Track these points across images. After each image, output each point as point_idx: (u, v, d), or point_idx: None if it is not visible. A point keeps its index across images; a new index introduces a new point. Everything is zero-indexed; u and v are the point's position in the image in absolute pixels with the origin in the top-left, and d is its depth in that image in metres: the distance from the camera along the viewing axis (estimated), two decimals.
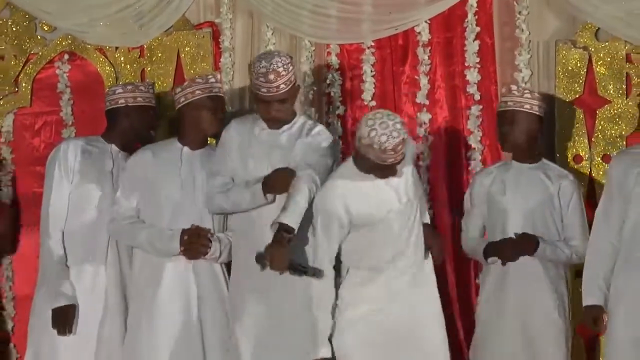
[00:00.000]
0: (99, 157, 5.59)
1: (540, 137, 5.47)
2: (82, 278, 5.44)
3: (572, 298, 5.44)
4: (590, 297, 5.12)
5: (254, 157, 5.20)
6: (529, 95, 5.38)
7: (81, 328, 5.43)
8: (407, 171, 4.95)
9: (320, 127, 5.30)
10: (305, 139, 5.22)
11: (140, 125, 5.62)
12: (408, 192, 4.93)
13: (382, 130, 4.71)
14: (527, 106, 5.35)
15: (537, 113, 5.36)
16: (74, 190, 5.51)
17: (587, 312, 5.13)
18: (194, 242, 5.23)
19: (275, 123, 5.17)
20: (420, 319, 5.09)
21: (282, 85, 5.06)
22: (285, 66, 5.06)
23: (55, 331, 5.43)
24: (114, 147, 5.57)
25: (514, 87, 5.48)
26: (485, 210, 5.49)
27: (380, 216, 4.86)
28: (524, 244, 5.30)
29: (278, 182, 5.09)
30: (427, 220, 5.18)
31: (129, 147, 5.60)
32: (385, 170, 4.79)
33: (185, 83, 5.45)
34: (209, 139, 5.61)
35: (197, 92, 5.36)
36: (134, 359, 5.32)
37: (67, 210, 5.50)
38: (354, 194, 4.84)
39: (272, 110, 5.10)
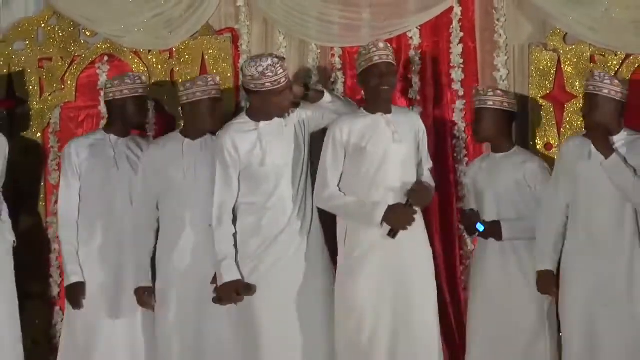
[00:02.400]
0: (101, 148, 5.82)
1: (509, 129, 5.69)
2: (99, 254, 5.72)
3: None
4: (542, 264, 5.40)
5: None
6: (491, 93, 5.64)
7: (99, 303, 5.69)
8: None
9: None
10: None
11: (132, 114, 5.84)
12: None
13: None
14: (491, 103, 5.63)
15: (504, 109, 5.60)
16: (83, 182, 5.78)
17: (540, 276, 5.40)
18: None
19: (285, 112, 5.41)
20: (411, 262, 5.35)
21: (284, 78, 5.33)
22: (281, 62, 5.35)
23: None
24: (112, 137, 5.81)
25: (480, 88, 5.75)
26: (473, 196, 5.80)
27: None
28: (490, 233, 5.52)
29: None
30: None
31: (127, 134, 5.84)
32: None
33: (188, 84, 5.68)
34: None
35: (198, 93, 5.61)
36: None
37: (79, 201, 5.76)
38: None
39: (285, 99, 5.34)
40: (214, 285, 5.38)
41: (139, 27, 6.40)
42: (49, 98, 6.52)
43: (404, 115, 5.59)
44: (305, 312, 5.37)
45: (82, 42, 6.55)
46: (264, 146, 5.37)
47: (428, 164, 5.62)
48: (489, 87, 5.81)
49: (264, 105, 5.36)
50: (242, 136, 5.38)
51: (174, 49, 6.42)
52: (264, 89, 5.30)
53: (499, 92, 5.73)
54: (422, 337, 5.32)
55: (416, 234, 5.40)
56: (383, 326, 5.31)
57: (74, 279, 5.68)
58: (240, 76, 5.70)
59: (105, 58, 6.50)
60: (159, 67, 6.42)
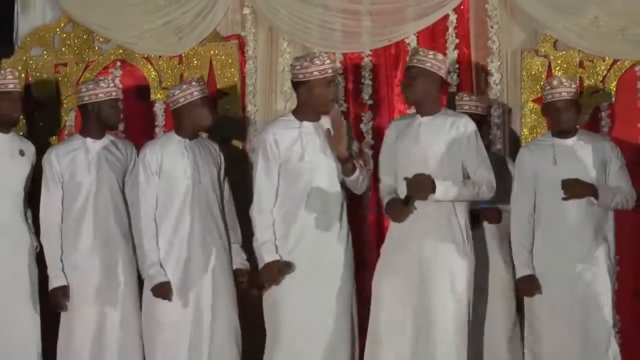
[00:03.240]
0: (78, 152, 5.73)
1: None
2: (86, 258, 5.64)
3: None
4: (522, 270, 5.47)
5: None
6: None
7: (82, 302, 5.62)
8: None
9: None
10: None
11: (105, 116, 5.72)
12: None
13: None
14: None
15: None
16: (65, 188, 5.71)
17: (523, 282, 5.48)
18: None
19: (328, 107, 5.39)
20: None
21: (331, 70, 5.37)
22: (330, 57, 5.43)
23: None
24: (89, 140, 5.73)
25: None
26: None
27: None
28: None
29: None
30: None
31: (101, 136, 5.74)
32: None
33: (184, 85, 5.61)
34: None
35: (195, 93, 5.59)
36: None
37: (62, 206, 5.68)
38: None
39: (330, 93, 5.38)
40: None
41: (150, 34, 6.50)
42: (65, 101, 6.59)
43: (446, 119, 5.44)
44: (330, 302, 5.42)
45: (96, 48, 6.64)
46: (304, 143, 5.43)
47: (480, 169, 5.43)
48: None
49: (310, 97, 5.39)
50: (284, 132, 5.46)
51: (184, 55, 6.52)
52: (312, 78, 5.34)
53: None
54: (442, 336, 5.27)
55: (441, 229, 5.35)
56: (402, 317, 5.33)
57: (55, 283, 5.66)
58: (290, 74, 5.65)
59: (118, 63, 6.59)
60: (169, 72, 6.51)
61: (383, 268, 5.43)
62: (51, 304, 5.70)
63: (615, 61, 6.12)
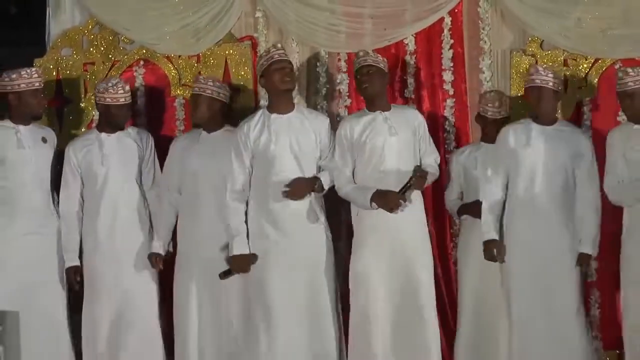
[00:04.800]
0: (93, 146, 6.06)
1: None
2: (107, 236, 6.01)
3: None
4: (488, 234, 5.72)
5: None
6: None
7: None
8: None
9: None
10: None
11: (117, 116, 6.08)
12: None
13: None
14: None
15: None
16: (84, 178, 6.03)
17: (487, 245, 5.71)
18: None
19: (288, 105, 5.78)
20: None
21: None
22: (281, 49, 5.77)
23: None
24: (104, 134, 6.07)
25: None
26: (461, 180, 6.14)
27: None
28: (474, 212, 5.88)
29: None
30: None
31: (114, 131, 6.06)
32: None
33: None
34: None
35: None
36: None
37: (80, 196, 6.04)
38: None
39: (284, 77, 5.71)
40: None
41: (170, 36, 6.57)
42: (92, 98, 6.55)
43: (401, 111, 5.93)
44: (313, 284, 5.72)
45: (121, 48, 6.72)
46: (271, 134, 5.74)
47: (433, 154, 5.95)
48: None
49: (270, 85, 5.77)
50: (253, 125, 5.81)
51: (201, 55, 6.59)
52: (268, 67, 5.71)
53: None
54: (422, 305, 5.69)
55: (416, 215, 5.79)
56: (387, 295, 5.68)
57: (68, 264, 6.01)
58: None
59: (141, 62, 6.68)
60: (188, 70, 6.60)
61: (360, 249, 5.77)
62: (67, 281, 6.04)
63: (596, 60, 6.26)
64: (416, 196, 5.76)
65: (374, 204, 5.67)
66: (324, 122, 5.93)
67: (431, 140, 5.94)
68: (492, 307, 5.95)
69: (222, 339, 5.91)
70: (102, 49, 6.78)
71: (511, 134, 5.79)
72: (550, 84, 5.76)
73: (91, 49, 6.79)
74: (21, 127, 6.08)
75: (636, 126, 5.72)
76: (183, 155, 6.02)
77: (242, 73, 6.60)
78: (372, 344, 5.66)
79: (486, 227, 5.75)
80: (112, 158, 6.05)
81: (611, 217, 6.01)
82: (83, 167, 6.06)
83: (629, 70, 5.73)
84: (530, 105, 5.86)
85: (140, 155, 6.13)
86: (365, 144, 5.77)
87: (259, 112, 5.89)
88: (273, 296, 5.67)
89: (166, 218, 6.07)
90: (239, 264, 5.72)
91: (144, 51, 6.74)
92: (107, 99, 6.05)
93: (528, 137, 5.73)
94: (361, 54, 5.82)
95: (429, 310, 5.73)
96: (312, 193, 5.71)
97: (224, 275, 5.75)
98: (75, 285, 6.01)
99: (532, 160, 5.72)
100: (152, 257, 6.03)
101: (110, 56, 6.76)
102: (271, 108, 5.84)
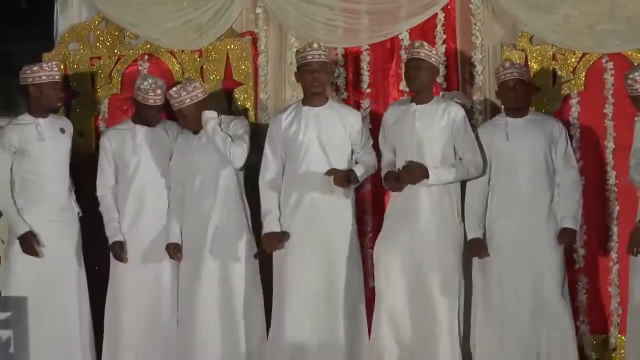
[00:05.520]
0: (127, 136, 6.21)
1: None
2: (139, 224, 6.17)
3: None
4: (473, 233, 5.77)
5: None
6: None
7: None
8: None
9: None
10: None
11: (147, 115, 6.20)
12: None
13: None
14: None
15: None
16: (117, 165, 6.20)
17: (472, 244, 5.77)
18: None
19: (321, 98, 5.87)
20: None
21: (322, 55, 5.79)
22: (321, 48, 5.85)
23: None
24: (138, 126, 6.22)
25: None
26: None
27: None
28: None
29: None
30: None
31: (148, 124, 6.18)
32: None
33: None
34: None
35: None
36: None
37: (115, 180, 6.20)
38: None
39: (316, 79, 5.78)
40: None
41: (174, 31, 6.66)
42: (99, 91, 6.79)
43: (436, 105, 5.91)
44: (332, 274, 5.84)
45: (127, 43, 6.81)
46: (300, 125, 5.88)
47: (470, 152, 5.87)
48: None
49: (302, 84, 5.90)
50: (285, 116, 5.95)
51: (203, 49, 6.67)
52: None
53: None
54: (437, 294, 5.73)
55: (436, 205, 5.80)
56: (400, 278, 5.77)
57: (113, 239, 6.17)
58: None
59: (146, 57, 6.76)
60: (191, 64, 6.69)
61: (385, 237, 5.86)
62: (113, 255, 6.17)
63: (584, 54, 6.35)
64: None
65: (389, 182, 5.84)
66: (356, 116, 6.03)
67: (468, 134, 5.87)
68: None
69: (230, 319, 6.04)
70: (108, 43, 6.87)
71: (489, 131, 5.93)
72: (516, 74, 5.88)
73: (97, 44, 6.88)
74: (40, 120, 6.21)
75: None
76: (184, 151, 6.17)
77: (243, 67, 6.67)
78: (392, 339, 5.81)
79: (469, 225, 5.83)
80: (144, 149, 6.20)
81: (600, 206, 6.23)
82: (116, 155, 6.22)
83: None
84: (501, 100, 6.02)
85: (169, 147, 6.26)
86: (394, 133, 5.91)
87: (293, 105, 6.03)
88: (290, 280, 5.80)
89: (175, 210, 6.20)
90: (270, 242, 5.86)
91: (149, 46, 6.82)
92: (139, 97, 6.19)
93: (506, 131, 5.85)
94: (417, 44, 5.86)
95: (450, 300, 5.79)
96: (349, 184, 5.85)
97: (258, 254, 5.90)
98: (124, 259, 6.15)
99: (513, 152, 5.80)
100: (170, 247, 6.16)
101: (115, 51, 6.85)
102: (304, 101, 5.98)
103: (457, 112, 5.83)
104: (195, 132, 6.10)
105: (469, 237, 5.82)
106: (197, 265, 6.04)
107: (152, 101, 6.11)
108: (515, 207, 5.80)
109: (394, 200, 5.87)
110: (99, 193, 6.26)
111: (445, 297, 5.70)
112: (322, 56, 5.83)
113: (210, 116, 5.94)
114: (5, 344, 6.09)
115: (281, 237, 5.87)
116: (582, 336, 6.23)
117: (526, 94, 5.95)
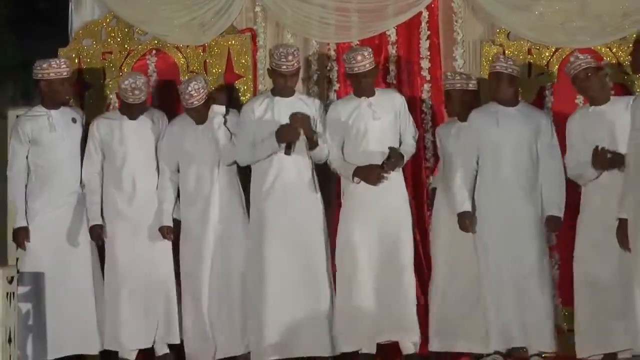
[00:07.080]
0: (115, 125, 6.44)
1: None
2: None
3: None
4: (461, 206, 6.02)
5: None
6: (458, 77, 6.26)
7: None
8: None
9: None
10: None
11: (129, 110, 6.42)
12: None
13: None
14: (458, 85, 6.25)
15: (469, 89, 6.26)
16: (105, 151, 6.38)
17: (461, 217, 6.00)
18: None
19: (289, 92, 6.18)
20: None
21: (295, 64, 6.11)
22: (296, 52, 6.15)
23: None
24: (124, 118, 6.44)
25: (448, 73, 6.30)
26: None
27: None
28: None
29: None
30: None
31: (131, 118, 6.40)
32: None
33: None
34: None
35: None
36: None
37: (101, 167, 6.39)
38: None
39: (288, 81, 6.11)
40: None
41: (179, 28, 6.91)
42: (110, 83, 7.03)
43: (385, 96, 6.34)
44: (310, 247, 6.18)
45: (136, 39, 7.06)
46: (274, 114, 6.19)
47: (412, 132, 6.35)
48: (454, 72, 6.34)
49: (274, 82, 6.20)
50: (257, 105, 6.25)
51: (207, 45, 6.92)
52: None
53: (463, 75, 6.27)
54: (403, 267, 6.14)
55: (397, 187, 6.25)
56: (370, 263, 6.15)
57: (92, 222, 6.42)
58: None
59: (154, 52, 7.01)
60: (195, 58, 6.93)
61: (347, 221, 6.24)
62: (92, 238, 6.45)
63: (557, 49, 6.61)
64: (397, 171, 6.25)
65: (356, 178, 6.21)
66: (318, 103, 6.43)
67: (411, 118, 6.36)
68: (462, 269, 6.36)
69: (231, 292, 6.37)
70: (119, 39, 7.13)
71: (480, 116, 6.23)
72: (510, 70, 6.16)
73: (109, 40, 7.15)
74: (52, 112, 6.50)
75: (591, 108, 6.07)
76: (182, 138, 6.46)
77: (243, 61, 6.95)
78: (358, 304, 6.19)
79: (460, 199, 6.09)
80: (131, 138, 6.42)
81: (570, 189, 6.37)
82: (104, 143, 6.43)
83: (579, 55, 6.12)
84: (491, 88, 6.28)
85: (156, 134, 6.50)
86: (351, 126, 6.29)
87: (263, 95, 6.32)
88: (269, 256, 6.15)
89: (167, 193, 6.49)
90: (284, 135, 6.11)
91: (156, 42, 7.08)
92: (121, 94, 6.46)
93: (496, 118, 6.14)
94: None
95: (409, 272, 6.23)
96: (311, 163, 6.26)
97: (287, 149, 6.10)
98: (99, 241, 6.38)
99: (500, 138, 6.07)
100: (163, 229, 6.45)
101: (126, 46, 7.12)
102: (274, 92, 6.33)
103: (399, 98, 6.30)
104: (199, 123, 6.39)
105: (459, 210, 6.05)
106: (199, 247, 6.37)
107: (131, 100, 6.32)
108: (498, 188, 6.06)
109: (353, 190, 6.23)
110: (84, 177, 6.41)
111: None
112: (295, 65, 6.15)
113: (218, 111, 6.24)
114: (25, 316, 6.31)
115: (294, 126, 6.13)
116: (555, 308, 6.34)
117: (514, 86, 6.22)
